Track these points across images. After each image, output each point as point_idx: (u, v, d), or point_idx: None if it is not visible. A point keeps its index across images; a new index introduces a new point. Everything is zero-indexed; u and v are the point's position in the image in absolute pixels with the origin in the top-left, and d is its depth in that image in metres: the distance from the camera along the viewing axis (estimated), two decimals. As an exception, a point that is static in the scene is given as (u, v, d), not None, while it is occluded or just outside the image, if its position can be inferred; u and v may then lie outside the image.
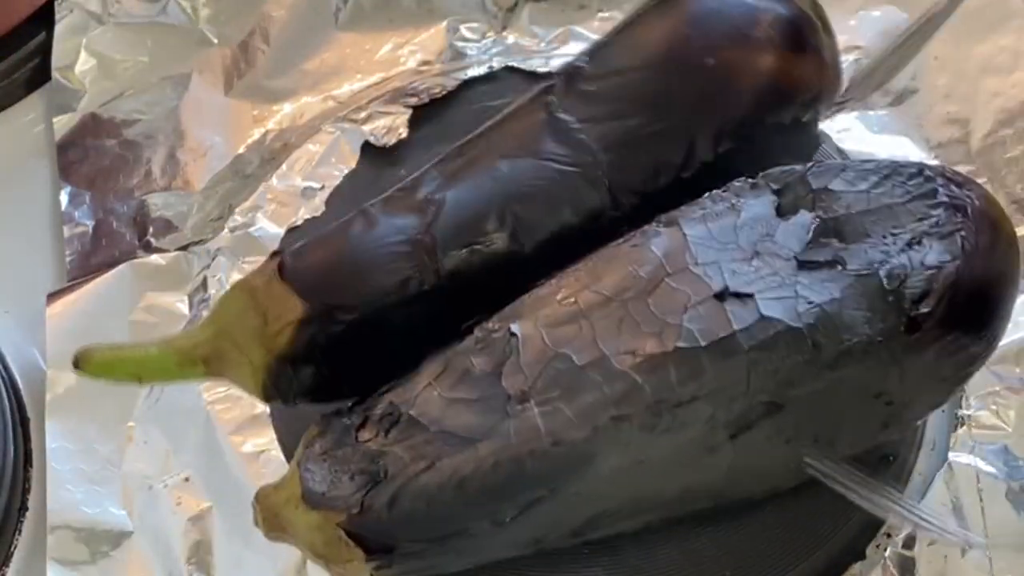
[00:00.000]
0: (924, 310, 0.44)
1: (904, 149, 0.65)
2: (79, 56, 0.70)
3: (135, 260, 0.62)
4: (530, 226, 0.49)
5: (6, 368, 0.60)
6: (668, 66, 0.51)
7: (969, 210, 0.46)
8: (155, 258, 0.62)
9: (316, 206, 0.63)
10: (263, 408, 0.56)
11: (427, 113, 0.65)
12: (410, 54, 0.71)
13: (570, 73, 0.53)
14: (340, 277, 0.49)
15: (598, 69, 0.52)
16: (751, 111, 0.50)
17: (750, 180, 0.48)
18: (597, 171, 0.50)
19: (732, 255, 0.46)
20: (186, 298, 0.61)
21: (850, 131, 0.65)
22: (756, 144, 0.51)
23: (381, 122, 0.65)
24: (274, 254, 0.49)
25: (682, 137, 0.50)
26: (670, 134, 0.50)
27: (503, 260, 0.49)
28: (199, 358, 0.48)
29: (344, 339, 0.48)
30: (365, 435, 0.46)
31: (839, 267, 0.45)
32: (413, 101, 0.65)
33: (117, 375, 0.48)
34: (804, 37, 0.51)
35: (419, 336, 0.48)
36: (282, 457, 0.55)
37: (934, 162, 0.62)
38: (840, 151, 0.62)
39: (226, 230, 0.63)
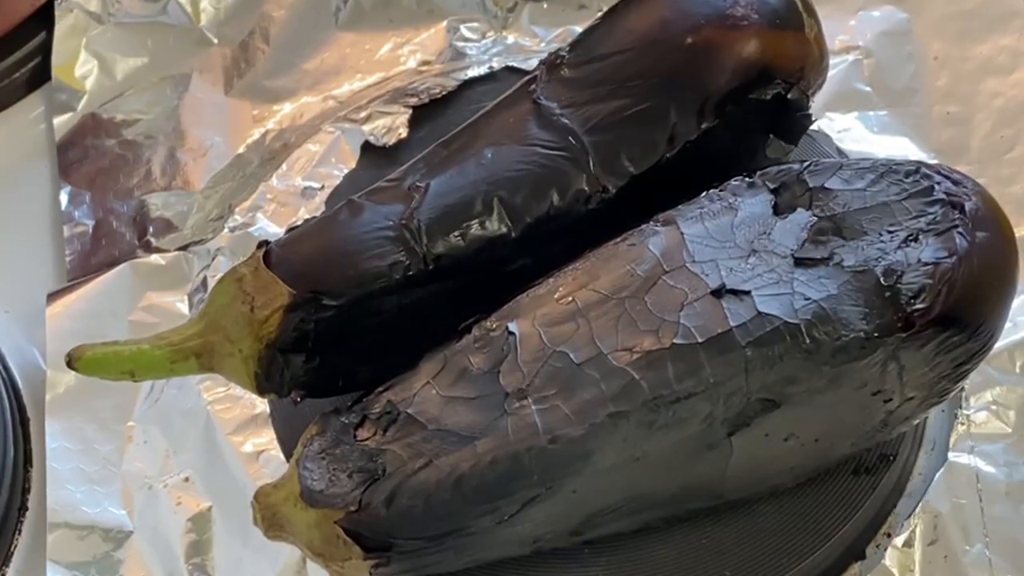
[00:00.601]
0: (920, 306, 0.44)
1: (904, 149, 0.65)
2: (79, 56, 0.70)
3: (135, 260, 0.62)
4: (517, 210, 0.49)
5: (6, 368, 0.60)
6: (648, 48, 0.52)
7: (966, 207, 0.46)
8: (155, 258, 0.62)
9: (316, 206, 0.62)
10: (263, 408, 0.56)
11: (427, 113, 0.65)
12: (410, 54, 0.71)
13: (552, 63, 0.53)
14: (325, 262, 0.49)
15: (579, 57, 0.53)
16: (731, 87, 0.50)
17: (747, 179, 0.48)
18: (582, 154, 0.50)
19: (729, 253, 0.46)
20: (186, 298, 0.61)
21: (850, 131, 0.66)
22: (739, 122, 0.51)
23: (381, 122, 0.65)
24: (261, 244, 0.49)
25: (664, 116, 0.51)
26: (652, 114, 0.51)
27: (491, 244, 0.49)
28: (191, 352, 0.48)
29: (334, 327, 0.48)
30: (363, 433, 0.46)
31: (836, 264, 0.45)
32: (413, 101, 0.65)
33: (110, 372, 0.48)
34: (783, 14, 0.52)
35: (413, 328, 0.48)
36: (282, 457, 0.55)
37: (933, 162, 0.62)
38: (840, 151, 0.62)
39: (226, 230, 0.63)
